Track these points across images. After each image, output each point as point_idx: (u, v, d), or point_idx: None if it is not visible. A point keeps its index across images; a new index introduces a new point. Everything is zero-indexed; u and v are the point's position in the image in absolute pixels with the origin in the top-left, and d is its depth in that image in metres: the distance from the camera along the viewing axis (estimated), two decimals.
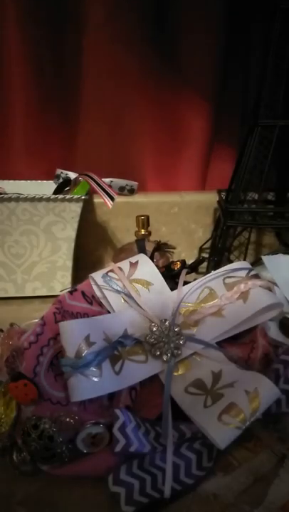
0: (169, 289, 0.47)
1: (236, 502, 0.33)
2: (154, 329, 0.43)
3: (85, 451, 0.35)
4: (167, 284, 0.47)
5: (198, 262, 0.54)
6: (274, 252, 0.60)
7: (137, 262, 0.48)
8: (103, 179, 0.61)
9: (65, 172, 0.70)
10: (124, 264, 0.48)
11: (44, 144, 0.72)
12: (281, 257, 0.55)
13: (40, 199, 0.57)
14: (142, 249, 0.53)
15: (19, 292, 0.63)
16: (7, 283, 0.62)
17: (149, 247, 0.56)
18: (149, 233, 0.64)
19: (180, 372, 0.42)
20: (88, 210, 0.70)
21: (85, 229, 0.65)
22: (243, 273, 0.47)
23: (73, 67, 0.67)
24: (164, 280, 0.47)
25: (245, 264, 0.48)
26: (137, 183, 0.73)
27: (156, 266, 0.48)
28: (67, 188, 0.65)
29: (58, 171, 0.70)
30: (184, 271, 0.48)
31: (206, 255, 0.73)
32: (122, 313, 0.44)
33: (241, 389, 0.37)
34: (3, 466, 0.36)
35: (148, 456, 0.34)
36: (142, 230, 0.63)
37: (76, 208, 0.59)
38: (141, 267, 0.47)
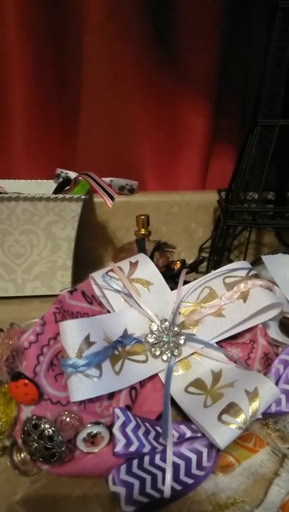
0: (169, 288, 0.47)
1: (236, 502, 0.33)
2: (154, 329, 0.43)
3: (85, 451, 0.35)
4: (167, 283, 0.47)
5: (198, 261, 0.54)
6: (274, 252, 0.60)
7: (137, 262, 0.48)
8: (103, 178, 0.61)
9: (65, 171, 0.69)
10: (124, 264, 0.48)
11: (44, 143, 0.72)
12: (281, 257, 0.55)
13: (40, 198, 0.57)
14: (141, 249, 0.53)
15: (19, 292, 0.62)
16: (7, 282, 0.62)
17: (149, 246, 0.56)
18: (149, 233, 0.64)
19: (180, 372, 0.42)
20: (88, 209, 0.70)
21: (85, 228, 0.65)
22: (243, 273, 0.47)
23: (73, 66, 0.67)
24: (164, 280, 0.47)
25: (245, 263, 0.48)
26: (136, 182, 0.73)
27: (156, 266, 0.48)
28: (67, 188, 0.64)
29: (58, 171, 0.70)
30: (184, 270, 0.49)
31: (206, 255, 0.73)
32: (122, 313, 0.44)
33: (241, 389, 0.37)
34: (3, 466, 0.36)
35: (148, 456, 0.34)
36: (142, 230, 0.63)
37: (76, 208, 0.59)
38: (141, 267, 0.47)
